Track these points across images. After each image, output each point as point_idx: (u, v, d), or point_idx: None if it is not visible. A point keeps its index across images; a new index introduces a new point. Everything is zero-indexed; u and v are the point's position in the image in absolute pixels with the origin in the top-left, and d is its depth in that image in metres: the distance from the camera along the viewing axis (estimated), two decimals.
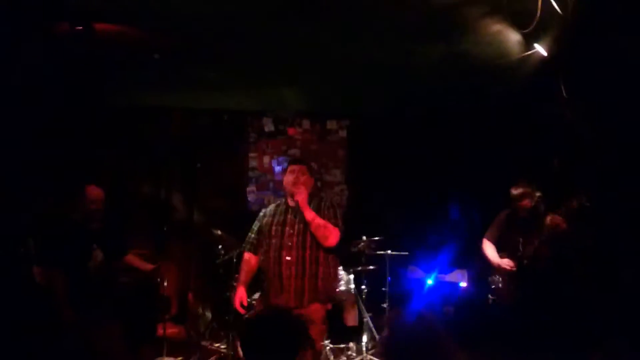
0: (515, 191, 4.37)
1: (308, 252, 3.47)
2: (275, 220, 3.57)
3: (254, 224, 3.72)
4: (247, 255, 3.71)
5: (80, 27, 3.78)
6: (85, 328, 1.70)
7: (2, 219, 4.08)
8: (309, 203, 3.52)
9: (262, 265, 3.60)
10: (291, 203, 3.59)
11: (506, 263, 4.33)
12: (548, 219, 4.04)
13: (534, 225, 4.22)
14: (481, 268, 4.90)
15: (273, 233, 3.53)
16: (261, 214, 3.73)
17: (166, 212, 6.30)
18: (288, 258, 3.45)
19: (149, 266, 4.32)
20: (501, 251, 4.45)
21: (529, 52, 4.28)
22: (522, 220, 4.35)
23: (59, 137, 5.26)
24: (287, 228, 3.52)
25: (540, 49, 4.20)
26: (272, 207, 3.72)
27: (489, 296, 4.47)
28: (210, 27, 4.09)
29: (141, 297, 5.14)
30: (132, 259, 4.28)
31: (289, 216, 3.56)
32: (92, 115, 5.78)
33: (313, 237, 3.46)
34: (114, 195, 5.74)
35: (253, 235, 3.71)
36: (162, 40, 4.31)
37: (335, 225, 3.52)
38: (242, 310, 3.59)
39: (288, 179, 3.59)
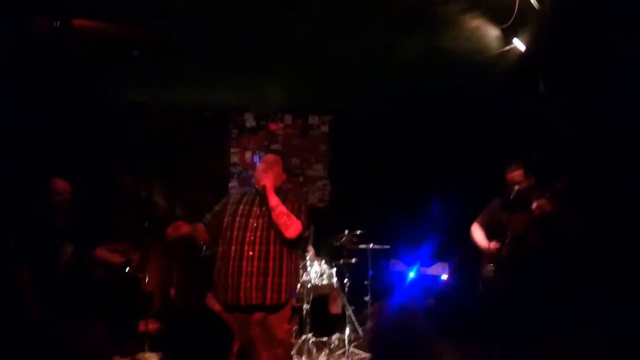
0: (507, 175, 4.32)
1: (272, 246, 3.27)
2: (240, 211, 3.35)
3: (216, 206, 3.51)
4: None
5: (58, 23, 3.74)
6: (64, 326, 1.70)
7: None
8: (256, 197, 3.40)
9: (221, 258, 3.33)
10: (257, 187, 3.40)
11: (494, 245, 4.34)
12: (534, 204, 4.06)
13: (523, 212, 4.23)
14: (465, 259, 4.95)
15: (236, 225, 3.30)
16: (224, 199, 3.52)
17: (148, 208, 6.26)
18: (251, 253, 3.23)
19: (119, 258, 4.26)
20: (491, 238, 4.47)
21: (508, 48, 4.34)
22: (512, 206, 4.34)
23: (38, 134, 5.20)
24: (252, 220, 3.31)
25: (518, 44, 4.25)
26: (237, 195, 3.51)
27: (480, 287, 4.50)
28: (190, 23, 4.07)
29: (122, 292, 5.13)
30: (102, 252, 4.23)
31: (254, 208, 3.36)
32: (72, 112, 5.72)
33: (274, 240, 3.28)
34: (95, 191, 5.75)
35: (208, 216, 3.49)
36: (140, 36, 4.28)
37: (298, 217, 3.32)
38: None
39: (260, 166, 3.47)
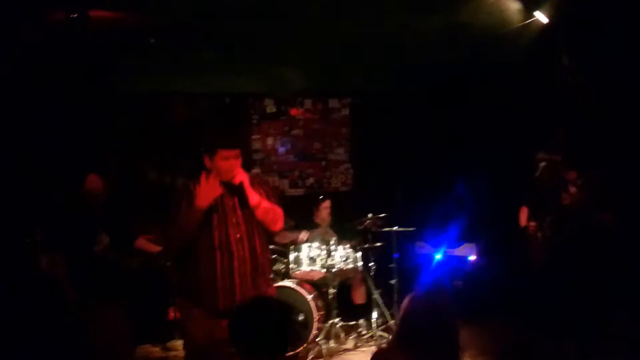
0: (537, 159, 4.36)
1: (257, 240, 2.97)
2: (212, 207, 2.88)
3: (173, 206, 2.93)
4: None
5: (75, 15, 3.74)
6: (88, 313, 1.73)
7: (8, 209, 4.11)
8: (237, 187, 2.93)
9: (203, 260, 2.87)
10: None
11: (531, 226, 4.31)
12: (569, 190, 3.99)
13: (556, 194, 4.18)
14: (494, 239, 4.88)
15: (215, 223, 2.88)
16: (176, 199, 2.95)
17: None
18: (240, 252, 2.90)
19: (157, 248, 4.36)
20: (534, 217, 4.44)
21: (529, 20, 4.21)
22: (547, 189, 4.29)
23: (64, 126, 5.27)
24: (230, 216, 2.92)
25: (540, 16, 4.12)
26: (187, 189, 2.93)
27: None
28: (206, 8, 4.04)
29: (152, 281, 5.19)
30: (142, 242, 4.33)
31: (226, 200, 2.93)
32: (95, 103, 5.77)
33: (256, 226, 2.97)
34: (120, 182, 5.80)
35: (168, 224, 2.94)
36: (157, 24, 4.27)
37: (277, 204, 3.05)
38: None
39: (224, 166, 2.89)
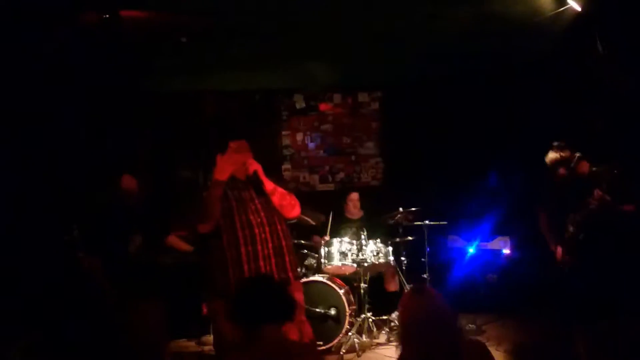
0: (547, 159, 4.12)
1: (270, 228, 3.11)
2: (231, 196, 3.10)
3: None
4: None
5: (107, 15, 3.81)
6: (125, 310, 1.77)
7: (45, 208, 4.22)
8: (247, 181, 3.16)
9: (227, 248, 3.02)
10: (239, 176, 3.16)
11: (559, 253, 4.16)
12: (595, 194, 3.86)
13: (579, 193, 4.04)
14: (528, 233, 4.77)
15: (235, 210, 3.06)
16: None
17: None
18: (262, 235, 3.06)
19: (188, 247, 4.42)
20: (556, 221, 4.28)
21: (563, 8, 4.11)
22: (567, 188, 4.16)
23: (96, 125, 5.38)
24: (249, 204, 3.11)
25: (574, 4, 4.02)
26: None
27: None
28: (235, 5, 4.07)
29: (186, 277, 5.27)
30: (174, 240, 4.39)
31: (243, 193, 3.14)
32: (126, 103, 5.88)
33: (275, 213, 3.13)
34: (152, 181, 5.90)
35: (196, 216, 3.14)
36: (188, 23, 4.32)
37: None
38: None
39: (235, 159, 3.12)
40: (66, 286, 3.67)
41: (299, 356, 2.12)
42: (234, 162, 3.11)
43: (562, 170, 4.04)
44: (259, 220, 3.07)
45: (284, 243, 3.13)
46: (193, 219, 3.14)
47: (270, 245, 3.08)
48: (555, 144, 4.13)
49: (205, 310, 5.17)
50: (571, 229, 4.03)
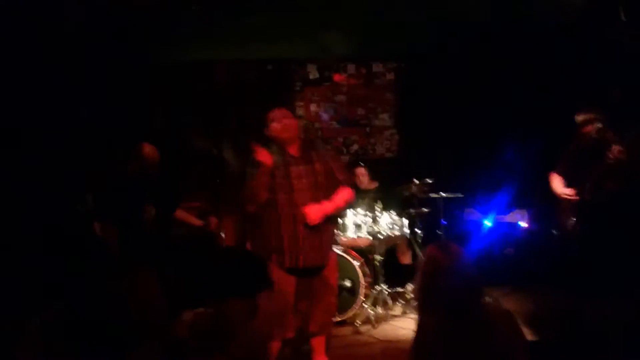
0: (578, 117, 4.11)
1: (322, 221, 3.23)
2: (277, 174, 3.22)
3: (249, 171, 3.26)
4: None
5: None
6: (126, 277, 1.76)
7: (58, 176, 4.22)
8: (303, 152, 3.32)
9: (270, 223, 3.23)
10: (292, 152, 3.31)
11: (568, 192, 4.16)
12: (610, 152, 3.82)
13: (599, 156, 3.99)
14: (546, 205, 4.72)
15: (279, 188, 3.20)
16: (254, 163, 3.24)
17: (219, 166, 6.37)
18: (305, 231, 3.19)
19: (197, 222, 4.41)
20: (570, 185, 4.26)
21: None
22: (588, 151, 4.11)
23: (108, 96, 5.34)
24: (295, 182, 3.22)
25: None
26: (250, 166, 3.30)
27: (553, 231, 4.32)
28: None
29: (201, 247, 5.29)
30: (182, 214, 4.37)
31: (291, 168, 3.26)
32: (138, 72, 5.82)
33: (319, 189, 3.26)
34: (166, 152, 5.87)
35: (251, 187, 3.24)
36: None
37: (348, 180, 3.45)
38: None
39: (277, 127, 3.31)
40: (79, 255, 3.68)
41: None
42: (285, 130, 3.27)
43: (589, 129, 4.00)
44: (303, 200, 3.18)
45: (322, 226, 3.23)
46: (240, 201, 3.27)
47: (310, 225, 3.19)
48: (585, 106, 4.07)
49: None
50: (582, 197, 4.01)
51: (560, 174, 4.32)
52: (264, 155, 3.16)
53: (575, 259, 4.17)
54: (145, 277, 1.80)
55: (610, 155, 3.82)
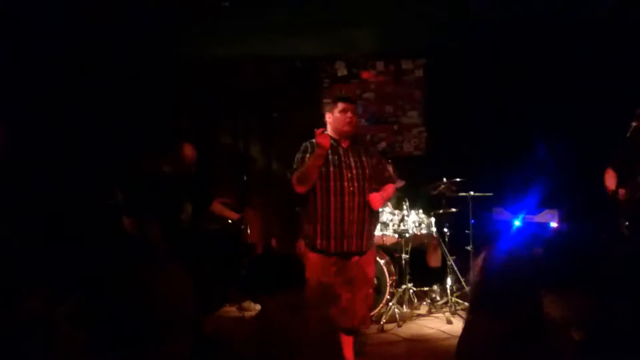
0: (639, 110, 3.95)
1: (362, 197, 3.37)
2: (331, 161, 3.36)
3: (297, 159, 3.44)
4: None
5: None
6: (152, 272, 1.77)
7: (87, 171, 4.28)
8: (353, 145, 3.47)
9: (321, 208, 3.34)
10: (344, 144, 3.44)
11: (621, 193, 4.03)
12: None
13: None
14: (578, 205, 4.62)
15: (332, 175, 3.33)
16: (303, 150, 3.46)
17: (246, 162, 6.41)
18: (350, 203, 3.33)
19: (234, 215, 4.42)
20: (623, 184, 4.13)
21: None
22: (637, 151, 3.97)
23: (138, 93, 5.41)
24: (345, 172, 3.36)
25: None
26: (300, 151, 3.49)
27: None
28: None
29: (227, 244, 5.33)
30: (219, 207, 4.39)
31: (344, 159, 3.39)
32: (167, 70, 5.89)
33: (366, 181, 3.40)
34: (195, 148, 5.93)
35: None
36: None
37: (393, 177, 3.66)
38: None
39: (342, 118, 3.41)
40: (108, 249, 3.73)
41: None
42: (349, 124, 3.40)
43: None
44: (351, 189, 3.33)
45: (366, 213, 3.39)
46: (292, 179, 3.37)
47: (355, 213, 3.34)
48: None
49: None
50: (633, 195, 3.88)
51: (614, 169, 4.19)
52: (324, 139, 3.29)
53: (627, 263, 4.05)
54: (175, 271, 1.81)
55: None
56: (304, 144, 3.50)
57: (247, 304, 5.07)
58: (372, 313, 4.54)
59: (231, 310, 5.05)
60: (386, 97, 6.55)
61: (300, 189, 3.35)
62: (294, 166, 3.42)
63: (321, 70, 6.56)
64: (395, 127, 6.58)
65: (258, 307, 5.05)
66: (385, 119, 6.58)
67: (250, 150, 6.55)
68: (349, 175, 3.35)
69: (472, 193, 4.99)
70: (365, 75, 6.55)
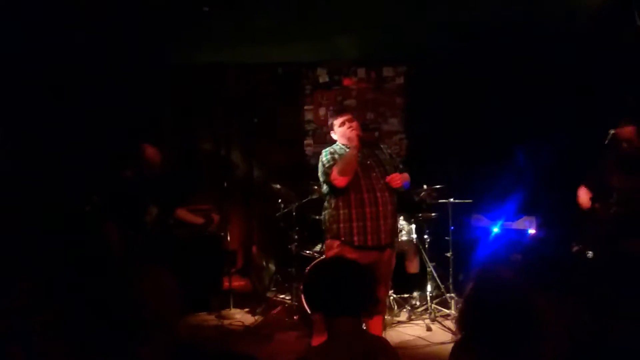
0: (623, 124, 4.02)
1: (387, 193, 3.58)
2: (361, 173, 3.58)
3: (327, 160, 3.61)
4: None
5: None
6: (138, 278, 1.74)
7: (65, 178, 4.23)
8: (368, 149, 3.68)
9: (354, 205, 3.52)
10: (352, 143, 3.60)
11: (597, 208, 4.08)
12: None
13: (634, 174, 3.91)
14: (554, 213, 4.67)
15: (361, 174, 3.56)
16: (330, 152, 3.66)
17: (226, 168, 6.38)
18: (381, 199, 3.54)
19: (198, 220, 4.39)
20: (597, 199, 4.17)
21: None
22: (621, 162, 4.02)
23: (118, 97, 5.36)
24: (369, 171, 3.59)
25: None
26: (338, 149, 3.71)
27: (574, 245, 4.26)
28: None
29: (207, 251, 5.29)
30: (183, 213, 4.36)
31: (365, 160, 3.62)
32: (149, 74, 5.85)
33: (384, 177, 3.60)
34: (174, 153, 5.90)
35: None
36: None
37: (404, 169, 3.83)
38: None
39: (346, 131, 3.68)
40: (88, 255, 3.68)
41: (375, 354, 1.92)
42: (354, 139, 3.58)
43: (627, 145, 3.95)
44: (379, 185, 3.55)
45: (394, 208, 3.62)
46: (331, 175, 3.51)
47: (389, 207, 3.55)
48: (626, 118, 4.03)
49: (226, 284, 5.21)
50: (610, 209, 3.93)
51: (588, 187, 4.24)
52: (354, 134, 3.59)
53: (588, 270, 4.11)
54: (159, 272, 1.79)
55: None
56: (324, 151, 3.71)
57: (226, 312, 5.03)
58: None
59: (210, 318, 5.00)
60: (367, 104, 6.57)
61: (341, 182, 3.49)
62: (326, 167, 3.59)
63: (303, 77, 6.57)
64: (376, 133, 6.60)
65: (238, 315, 5.01)
66: (366, 125, 6.59)
67: (231, 156, 6.52)
68: (374, 174, 3.59)
69: (452, 200, 5.02)
70: (346, 82, 6.58)
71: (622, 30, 4.71)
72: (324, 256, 4.77)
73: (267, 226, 6.18)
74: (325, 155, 3.68)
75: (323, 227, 3.75)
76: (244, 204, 6.44)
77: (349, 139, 3.66)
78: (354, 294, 1.98)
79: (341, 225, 3.55)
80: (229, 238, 5.35)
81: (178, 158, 5.98)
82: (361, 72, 6.57)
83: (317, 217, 5.28)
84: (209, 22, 4.85)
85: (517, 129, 5.82)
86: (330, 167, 3.57)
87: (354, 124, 3.72)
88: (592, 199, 4.14)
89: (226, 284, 5.35)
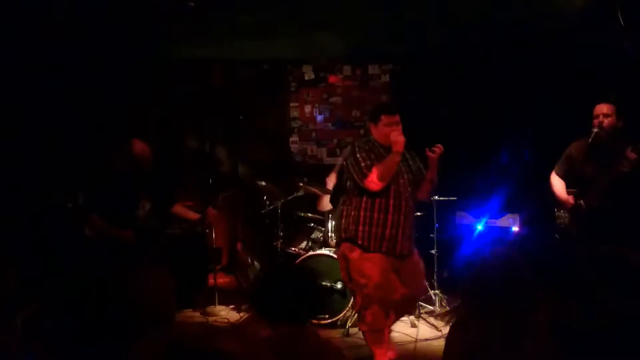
0: (602, 105, 4.04)
1: (412, 202, 3.58)
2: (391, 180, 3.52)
3: (362, 157, 3.49)
4: None
5: None
6: (131, 274, 1.72)
7: (48, 174, 4.18)
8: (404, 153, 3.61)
9: (378, 210, 3.49)
10: (397, 148, 3.50)
11: (572, 199, 4.11)
12: (627, 152, 3.75)
13: (608, 158, 3.91)
14: (538, 210, 4.70)
15: (392, 194, 3.50)
16: (365, 150, 3.54)
17: (211, 165, 6.34)
18: (405, 208, 3.51)
19: (195, 215, 4.36)
20: (572, 187, 4.20)
21: None
22: (595, 150, 4.03)
23: (102, 92, 5.31)
24: (398, 177, 3.52)
25: None
26: (372, 146, 3.59)
27: (556, 235, 4.30)
28: None
29: (192, 248, 5.26)
30: (180, 208, 4.33)
31: (399, 178, 3.55)
32: (133, 69, 5.79)
33: (411, 185, 3.60)
34: (160, 148, 5.84)
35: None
36: None
37: (436, 178, 3.77)
38: None
39: (389, 132, 3.55)
40: (72, 255, 3.64)
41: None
42: (385, 140, 3.54)
43: (611, 120, 3.94)
44: (406, 194, 3.52)
45: (413, 218, 3.63)
46: (371, 177, 3.41)
47: (409, 217, 3.55)
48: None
49: (211, 280, 5.19)
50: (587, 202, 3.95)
51: (559, 174, 4.27)
52: (399, 138, 3.51)
53: (571, 264, 4.14)
54: (155, 269, 1.78)
55: (625, 163, 3.73)
56: (357, 145, 3.59)
57: (212, 308, 5.01)
58: (337, 317, 4.55)
59: (195, 315, 4.98)
60: (353, 102, 6.58)
61: (377, 186, 3.42)
62: (362, 165, 3.45)
63: (288, 74, 6.56)
64: (362, 131, 6.61)
65: (222, 312, 5.00)
66: (351, 123, 6.61)
67: (216, 153, 6.49)
68: (401, 180, 3.54)
69: (436, 197, 5.05)
70: (332, 79, 6.58)
71: (605, 30, 4.77)
72: (311, 252, 4.78)
73: (253, 223, 6.16)
74: (359, 151, 3.53)
75: (338, 222, 3.65)
76: (229, 201, 6.40)
77: (393, 142, 3.50)
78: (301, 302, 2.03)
79: (360, 227, 3.48)
80: (214, 235, 5.32)
81: (163, 154, 5.93)
82: (347, 69, 6.58)
83: (302, 215, 5.30)
84: (193, 18, 4.81)
85: (501, 127, 5.86)
86: (370, 167, 3.43)
87: (400, 127, 3.60)
88: (576, 195, 4.17)
89: (211, 281, 5.33)
